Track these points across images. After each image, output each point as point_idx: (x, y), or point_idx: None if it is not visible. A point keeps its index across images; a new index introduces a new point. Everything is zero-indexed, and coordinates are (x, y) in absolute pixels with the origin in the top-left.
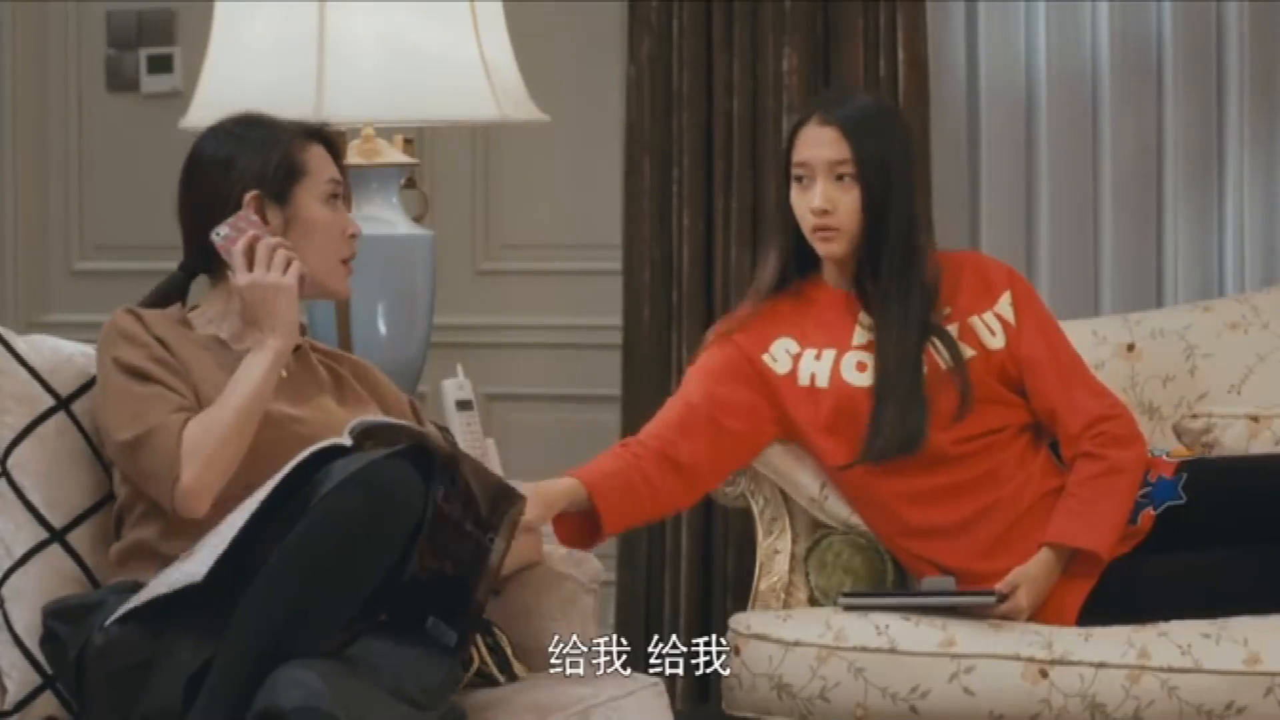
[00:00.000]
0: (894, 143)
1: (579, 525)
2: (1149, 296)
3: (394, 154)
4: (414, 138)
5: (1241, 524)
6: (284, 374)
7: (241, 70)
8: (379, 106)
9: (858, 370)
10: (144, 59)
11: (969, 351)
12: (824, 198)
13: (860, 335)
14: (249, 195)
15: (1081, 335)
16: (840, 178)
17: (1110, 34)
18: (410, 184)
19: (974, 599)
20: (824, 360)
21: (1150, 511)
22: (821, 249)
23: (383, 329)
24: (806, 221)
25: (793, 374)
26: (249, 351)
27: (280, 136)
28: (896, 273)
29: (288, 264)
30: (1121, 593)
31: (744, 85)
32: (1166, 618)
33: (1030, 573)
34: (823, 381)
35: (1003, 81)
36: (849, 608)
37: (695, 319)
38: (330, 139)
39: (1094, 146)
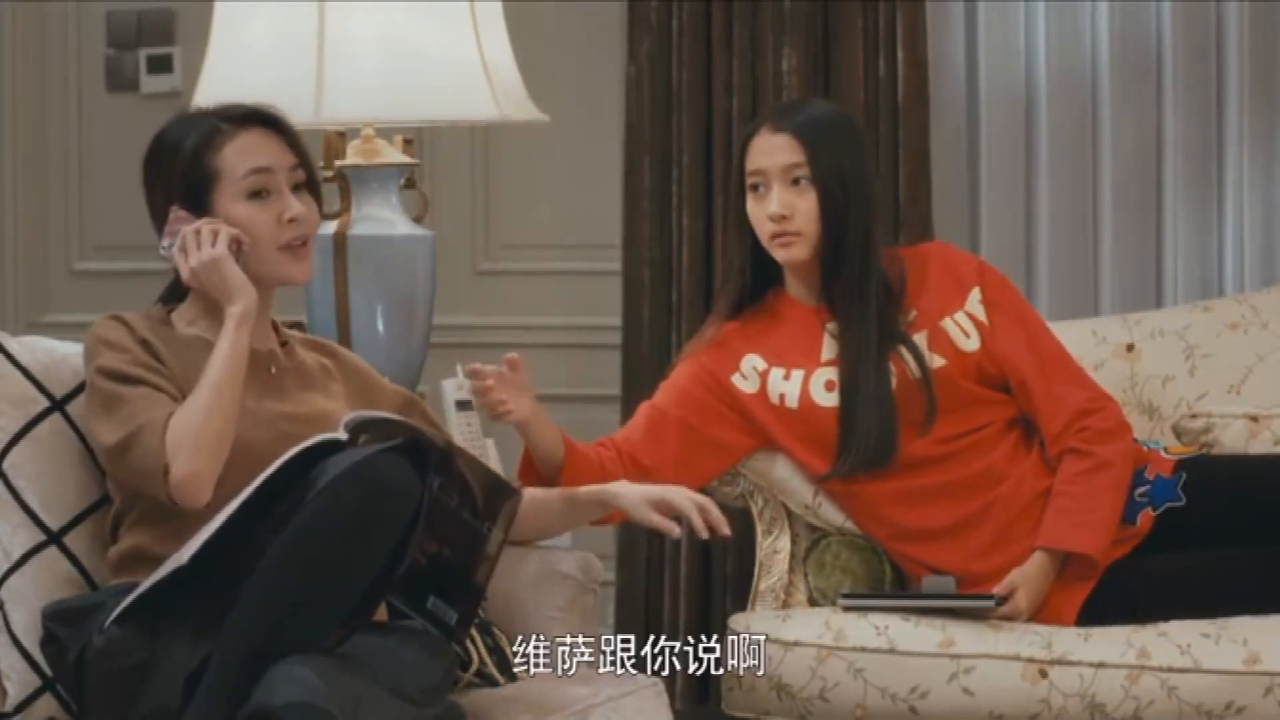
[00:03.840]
0: (848, 148)
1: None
2: (1148, 296)
3: (393, 154)
4: (413, 138)
5: (1241, 525)
6: (271, 371)
7: (241, 70)
8: (379, 106)
9: (826, 390)
10: (144, 59)
11: (938, 360)
12: (780, 203)
13: (829, 348)
14: (171, 210)
15: (1081, 335)
16: (796, 182)
17: (1110, 34)
18: (410, 184)
19: (973, 603)
20: (793, 381)
21: (1149, 512)
22: (781, 255)
23: (382, 329)
24: (764, 229)
25: (762, 392)
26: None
27: (188, 144)
28: (857, 279)
29: (215, 236)
30: (1121, 593)
31: (744, 85)
32: (1166, 618)
33: (1028, 574)
34: (792, 402)
35: (1002, 81)
36: (848, 609)
37: (695, 319)
38: (267, 119)
39: (1094, 146)
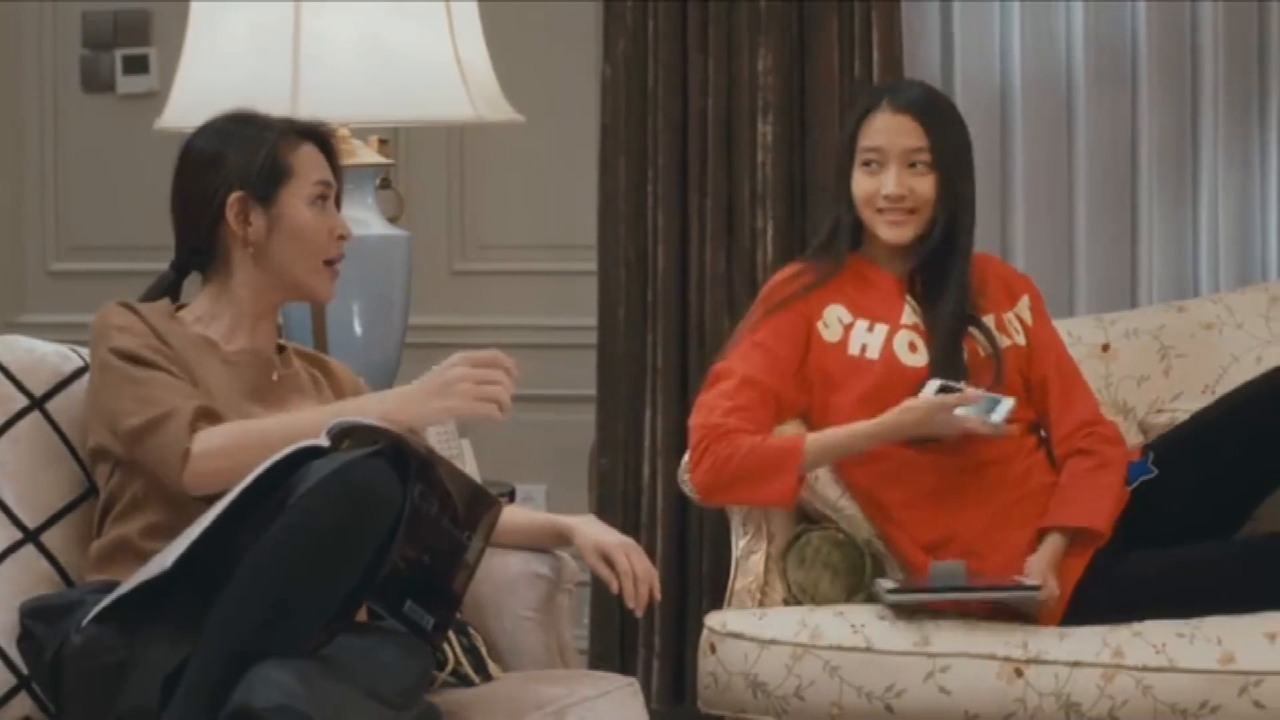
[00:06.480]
0: (961, 132)
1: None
2: (1123, 297)
3: (369, 154)
4: (389, 138)
5: (1208, 477)
6: (274, 377)
7: (217, 71)
8: (354, 107)
9: (910, 350)
10: (119, 59)
11: (1006, 340)
12: (899, 184)
13: (908, 316)
14: (232, 197)
15: None
16: (913, 165)
17: (1085, 34)
18: (385, 184)
19: (1020, 594)
20: (876, 333)
21: (1126, 488)
22: (890, 233)
23: (358, 329)
24: (873, 204)
25: (843, 342)
26: (233, 349)
27: (268, 136)
28: (959, 258)
29: (498, 404)
30: (1099, 591)
31: (719, 85)
32: (1143, 617)
33: (1046, 559)
34: (873, 353)
35: (978, 81)
36: (895, 604)
37: (670, 319)
38: (324, 138)
39: (1069, 147)
